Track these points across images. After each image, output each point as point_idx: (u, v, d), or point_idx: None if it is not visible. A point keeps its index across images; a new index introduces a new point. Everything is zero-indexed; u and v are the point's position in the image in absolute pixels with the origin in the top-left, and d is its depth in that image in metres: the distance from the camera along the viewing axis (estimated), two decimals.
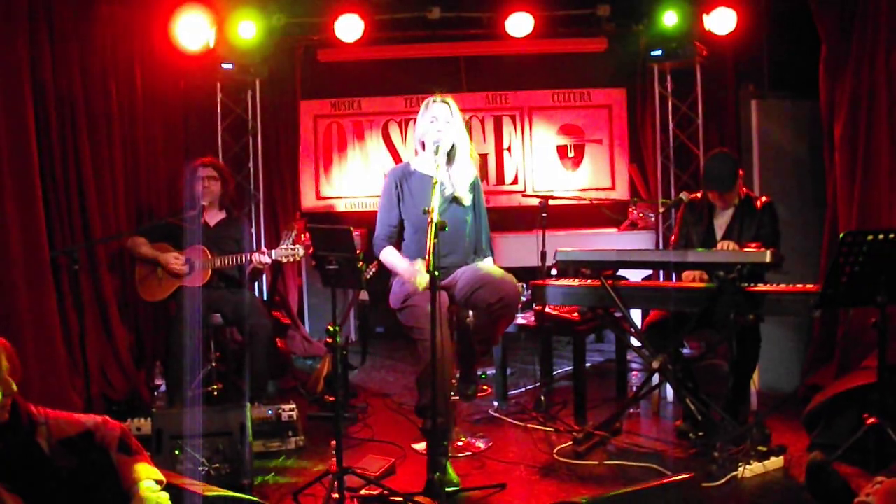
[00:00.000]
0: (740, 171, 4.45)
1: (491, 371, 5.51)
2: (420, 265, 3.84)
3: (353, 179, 7.59)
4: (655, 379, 4.59)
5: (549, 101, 7.56)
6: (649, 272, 6.19)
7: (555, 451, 4.27)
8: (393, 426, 4.86)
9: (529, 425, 4.76)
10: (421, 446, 4.31)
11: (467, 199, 4.03)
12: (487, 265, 4.13)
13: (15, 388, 2.35)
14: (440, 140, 3.79)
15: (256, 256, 4.92)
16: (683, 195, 4.76)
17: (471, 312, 4.08)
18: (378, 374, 6.32)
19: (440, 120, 3.93)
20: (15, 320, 3.98)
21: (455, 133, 3.93)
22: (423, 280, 3.76)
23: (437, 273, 3.23)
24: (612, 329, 5.26)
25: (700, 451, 4.06)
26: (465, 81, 7.57)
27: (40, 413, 2.48)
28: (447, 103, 3.98)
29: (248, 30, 6.21)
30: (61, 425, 2.51)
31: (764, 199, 4.47)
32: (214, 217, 5.28)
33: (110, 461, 2.51)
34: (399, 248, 4.09)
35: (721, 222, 4.54)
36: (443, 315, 3.66)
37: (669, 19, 6.27)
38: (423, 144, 4.02)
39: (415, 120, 4.15)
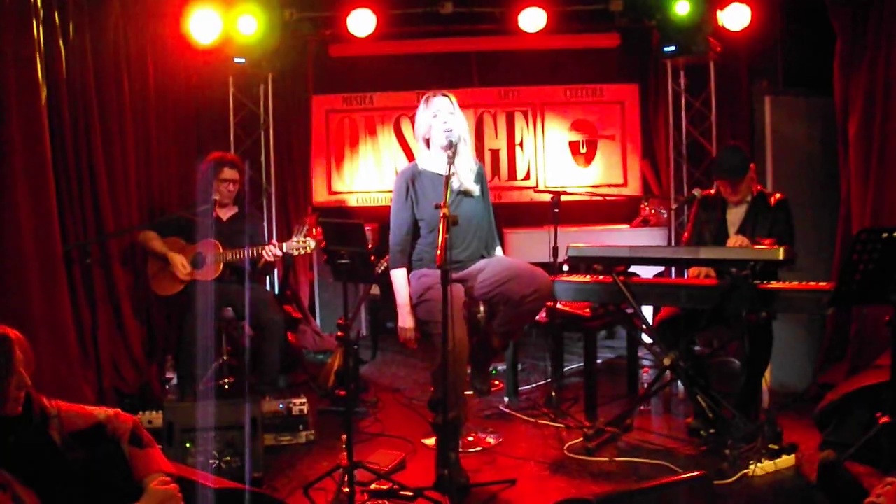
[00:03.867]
0: (752, 165, 4.43)
1: (502, 367, 5.51)
2: (411, 332, 3.94)
3: (365, 174, 7.59)
4: (667, 376, 4.58)
5: (562, 97, 7.53)
6: (661, 269, 6.18)
7: (565, 447, 4.27)
8: (403, 421, 4.86)
9: (540, 421, 4.75)
10: (431, 441, 4.31)
11: (475, 190, 4.01)
12: (502, 256, 4.14)
13: (28, 381, 2.36)
14: (451, 134, 3.77)
15: (268, 249, 4.92)
16: (696, 191, 4.75)
17: (482, 308, 4.07)
18: (389, 368, 6.33)
19: (444, 112, 3.88)
20: (28, 314, 4.00)
21: (461, 125, 3.91)
22: (409, 338, 3.93)
23: (450, 267, 3.22)
24: (624, 326, 5.25)
25: (711, 449, 4.06)
26: (477, 77, 7.57)
27: (53, 406, 2.49)
28: (447, 96, 3.95)
29: (250, 25, 6.20)
30: (73, 418, 2.52)
31: (778, 195, 4.45)
32: (227, 212, 5.29)
33: (122, 454, 2.52)
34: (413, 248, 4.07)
35: (734, 219, 4.52)
36: (458, 309, 3.65)
37: (682, 9, 6.20)
38: (427, 142, 3.99)
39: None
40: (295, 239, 4.91)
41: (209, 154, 5.30)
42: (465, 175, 3.93)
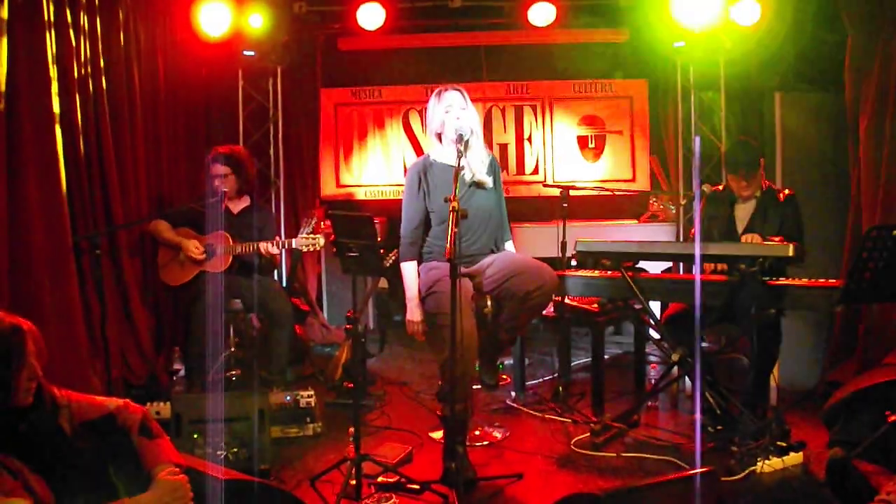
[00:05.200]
0: (762, 160, 4.42)
1: (509, 361, 5.51)
2: (419, 325, 3.98)
3: (374, 168, 7.59)
4: (674, 372, 4.57)
5: (570, 92, 7.52)
6: (669, 264, 6.17)
7: (572, 442, 4.27)
8: (410, 414, 4.87)
9: (547, 416, 4.75)
10: (438, 435, 4.32)
11: (489, 182, 4.01)
12: (513, 251, 4.13)
13: (40, 372, 2.37)
14: (461, 128, 3.76)
15: (263, 246, 4.93)
16: (705, 187, 4.75)
17: (489, 302, 4.08)
18: (396, 362, 6.33)
19: (455, 107, 3.89)
20: (38, 304, 4.01)
21: (473, 119, 3.91)
22: (417, 331, 3.98)
23: (460, 260, 3.22)
24: (632, 321, 5.24)
25: (719, 446, 4.04)
26: (486, 71, 7.57)
27: (63, 396, 2.49)
28: (459, 90, 3.95)
29: (259, 19, 6.20)
30: (83, 408, 2.52)
31: (787, 191, 4.44)
32: (238, 205, 5.29)
33: (131, 444, 2.53)
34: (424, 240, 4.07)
35: (742, 215, 4.51)
36: (467, 303, 3.65)
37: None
38: (439, 136, 3.99)
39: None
40: (304, 235, 4.92)
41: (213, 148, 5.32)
42: (478, 167, 3.94)
